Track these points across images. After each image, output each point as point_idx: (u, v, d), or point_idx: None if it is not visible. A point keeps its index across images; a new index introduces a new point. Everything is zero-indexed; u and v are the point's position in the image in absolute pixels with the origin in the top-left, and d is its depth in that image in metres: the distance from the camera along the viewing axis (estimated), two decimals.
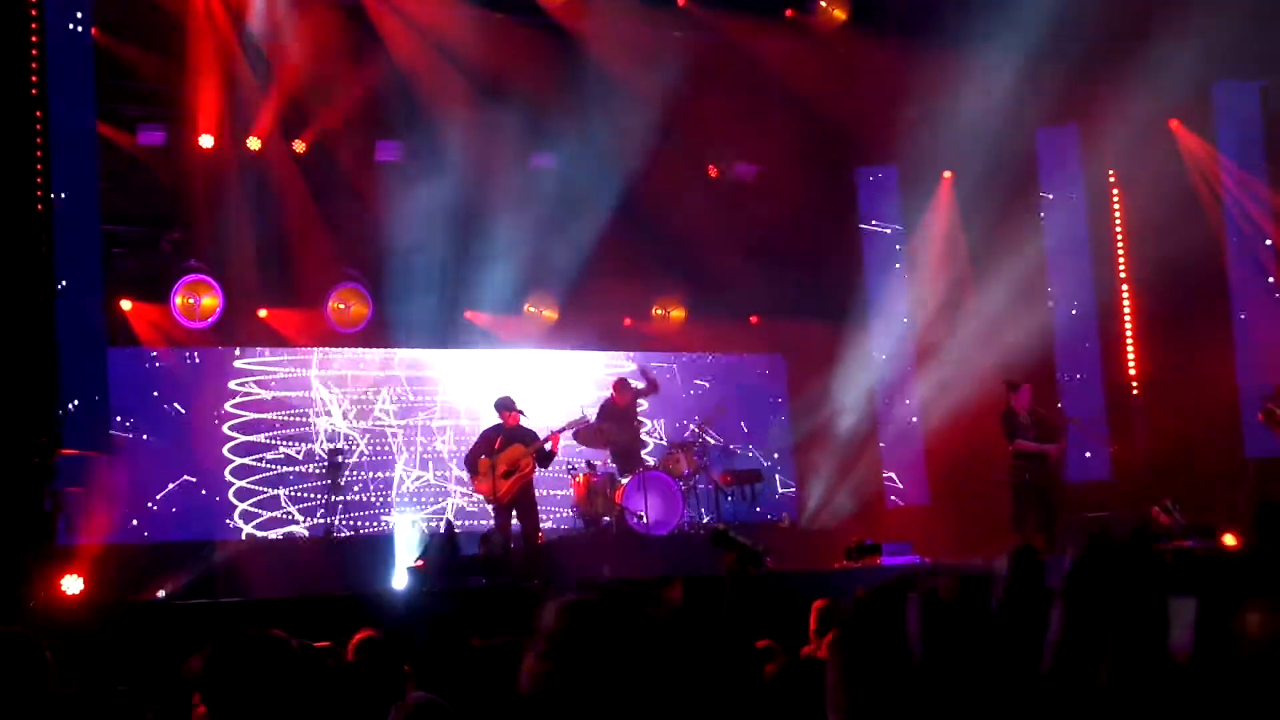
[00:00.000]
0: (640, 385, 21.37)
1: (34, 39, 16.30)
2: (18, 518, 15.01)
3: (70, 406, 16.77)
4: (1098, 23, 20.80)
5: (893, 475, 23.83)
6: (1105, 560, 3.11)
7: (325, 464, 21.07)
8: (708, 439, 21.80)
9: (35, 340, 15.65)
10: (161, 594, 16.64)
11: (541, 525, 20.13)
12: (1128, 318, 23.19)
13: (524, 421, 19.52)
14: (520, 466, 19.10)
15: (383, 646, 9.19)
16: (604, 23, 22.76)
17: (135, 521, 20.11)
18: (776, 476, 23.92)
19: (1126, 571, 3.07)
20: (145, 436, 20.51)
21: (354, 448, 21.83)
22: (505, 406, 19.57)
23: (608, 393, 21.50)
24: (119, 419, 19.97)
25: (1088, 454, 22.39)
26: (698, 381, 24.42)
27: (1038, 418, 20.42)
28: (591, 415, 20.76)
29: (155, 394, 20.77)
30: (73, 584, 15.37)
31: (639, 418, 21.74)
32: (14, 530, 14.86)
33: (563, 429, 19.97)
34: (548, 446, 19.41)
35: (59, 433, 16.19)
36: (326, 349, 22.01)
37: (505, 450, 19.14)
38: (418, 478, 22.22)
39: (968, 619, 3.55)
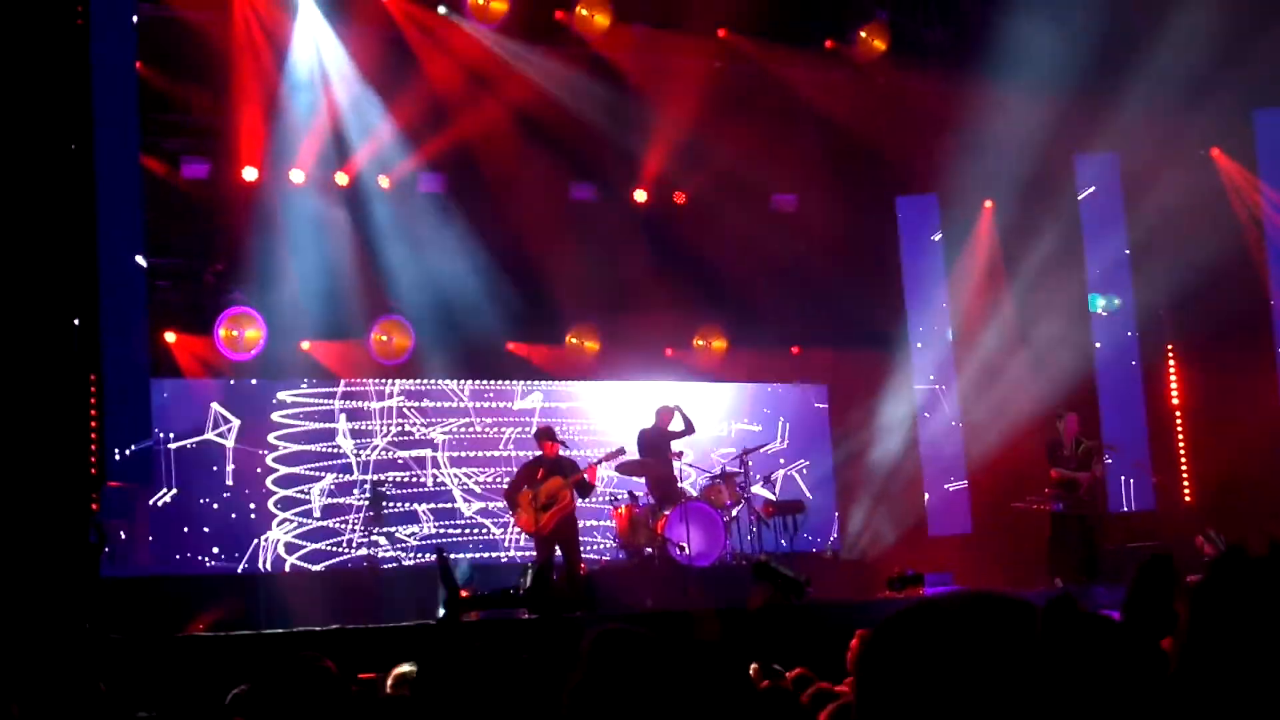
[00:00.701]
0: (679, 428, 21.33)
1: (79, 72, 16.41)
2: (63, 550, 15.07)
3: (114, 439, 16.82)
4: (1137, 51, 20.79)
5: (935, 504, 23.78)
6: (1242, 572, 3.10)
7: (368, 495, 21.13)
8: (748, 469, 21.80)
9: (79, 372, 15.71)
10: (204, 626, 16.68)
11: (583, 556, 20.15)
12: (1170, 346, 23.15)
13: (563, 453, 19.55)
14: (559, 498, 19.11)
15: (422, 679, 9.20)
16: (644, 54, 22.84)
17: (179, 553, 20.18)
18: (819, 507, 23.88)
19: (1265, 585, 3.05)
20: (189, 468, 20.58)
21: (396, 479, 21.86)
22: (545, 437, 19.62)
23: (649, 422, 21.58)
24: (162, 451, 20.06)
25: (1131, 480, 22.30)
26: (741, 412, 24.43)
27: (1083, 447, 20.42)
28: (630, 449, 20.80)
29: (199, 426, 20.84)
30: (117, 617, 15.43)
31: (673, 451, 21.69)
32: (59, 563, 14.92)
33: (601, 461, 20.01)
34: (586, 478, 19.43)
35: (103, 465, 16.25)
36: (369, 380, 22.05)
37: (545, 482, 19.17)
38: (461, 509, 22.25)
39: (1095, 623, 3.56)
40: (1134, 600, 6.32)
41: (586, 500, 19.96)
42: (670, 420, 21.32)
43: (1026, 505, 20.96)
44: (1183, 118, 21.54)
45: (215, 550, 20.55)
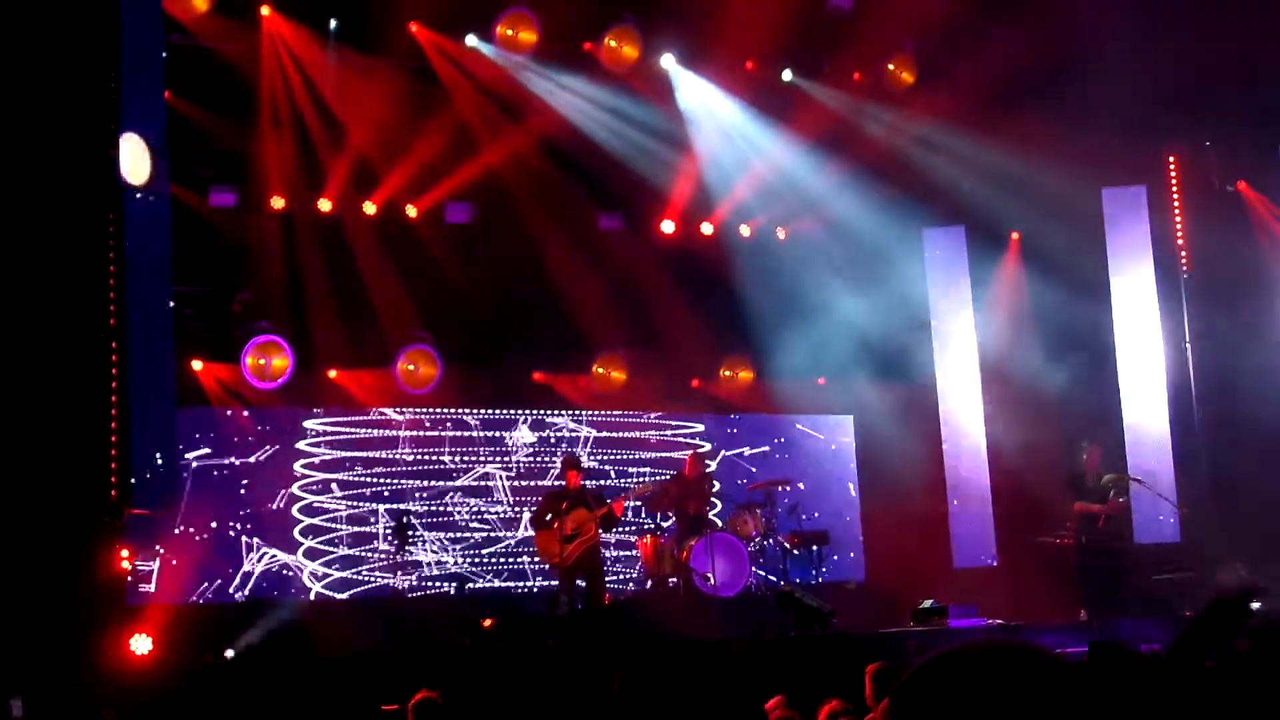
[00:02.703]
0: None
1: (109, 101, 16.50)
2: (88, 577, 15.11)
3: (139, 465, 16.88)
4: (1164, 84, 20.78)
5: (960, 536, 23.72)
6: None
7: (393, 524, 21.13)
8: (774, 500, 21.81)
9: (107, 400, 15.77)
10: (230, 654, 16.70)
11: (609, 585, 20.16)
12: (1196, 378, 23.08)
13: (587, 484, 19.60)
14: (584, 531, 19.16)
15: (442, 708, 9.23)
16: (670, 85, 22.89)
17: (204, 581, 20.21)
18: (844, 537, 23.84)
19: None
20: (215, 496, 20.60)
21: (421, 508, 21.88)
22: (571, 466, 19.66)
23: (676, 456, 21.67)
24: (188, 478, 20.09)
25: (1160, 516, 22.17)
26: (765, 442, 24.44)
27: (1104, 480, 20.42)
28: (655, 484, 20.86)
29: (225, 454, 20.88)
30: (142, 644, 15.46)
31: (712, 496, 21.80)
32: (84, 590, 14.96)
33: (627, 496, 20.07)
34: (613, 511, 19.49)
35: (129, 492, 16.29)
36: (395, 409, 22.07)
37: (570, 513, 19.19)
38: (485, 538, 22.25)
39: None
40: (1196, 635, 6.15)
41: (610, 534, 20.01)
42: (694, 461, 21.40)
43: (1050, 540, 20.94)
44: (1210, 151, 21.52)
45: (240, 577, 20.58)
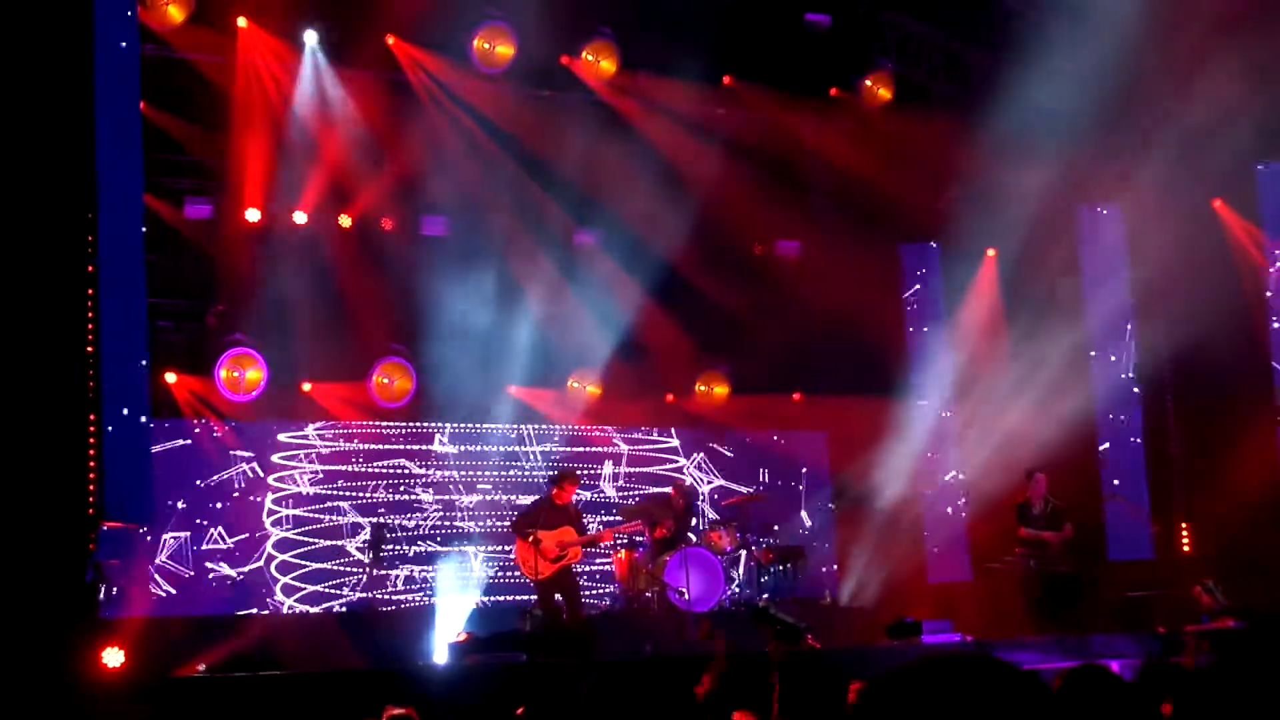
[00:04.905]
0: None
1: (85, 113, 16.46)
2: (60, 590, 15.04)
3: (112, 478, 16.81)
4: (1141, 102, 20.80)
5: (934, 551, 23.73)
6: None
7: (368, 538, 21.09)
8: (748, 515, 21.82)
9: (79, 412, 15.72)
10: (202, 668, 16.63)
11: (582, 600, 20.13)
12: (1170, 397, 23.11)
13: (577, 501, 19.65)
14: (570, 555, 19.14)
15: None
16: (648, 101, 22.85)
17: (176, 594, 20.15)
18: (818, 553, 23.81)
19: None
20: (187, 509, 20.55)
21: (395, 522, 21.83)
22: (567, 481, 19.57)
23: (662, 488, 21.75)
24: (161, 491, 20.03)
25: (1135, 533, 22.24)
26: (740, 458, 24.43)
27: (1051, 507, 20.44)
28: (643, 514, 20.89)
29: (198, 466, 20.82)
30: (114, 657, 15.37)
31: (690, 516, 21.85)
32: (56, 603, 14.89)
33: (619, 532, 20.09)
34: (601, 541, 19.58)
35: (101, 505, 16.23)
36: (369, 423, 22.02)
37: (556, 529, 19.11)
38: (459, 551, 22.19)
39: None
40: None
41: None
42: (678, 493, 21.42)
43: (1002, 565, 20.98)
44: (1185, 170, 21.55)
45: (213, 591, 20.51)
